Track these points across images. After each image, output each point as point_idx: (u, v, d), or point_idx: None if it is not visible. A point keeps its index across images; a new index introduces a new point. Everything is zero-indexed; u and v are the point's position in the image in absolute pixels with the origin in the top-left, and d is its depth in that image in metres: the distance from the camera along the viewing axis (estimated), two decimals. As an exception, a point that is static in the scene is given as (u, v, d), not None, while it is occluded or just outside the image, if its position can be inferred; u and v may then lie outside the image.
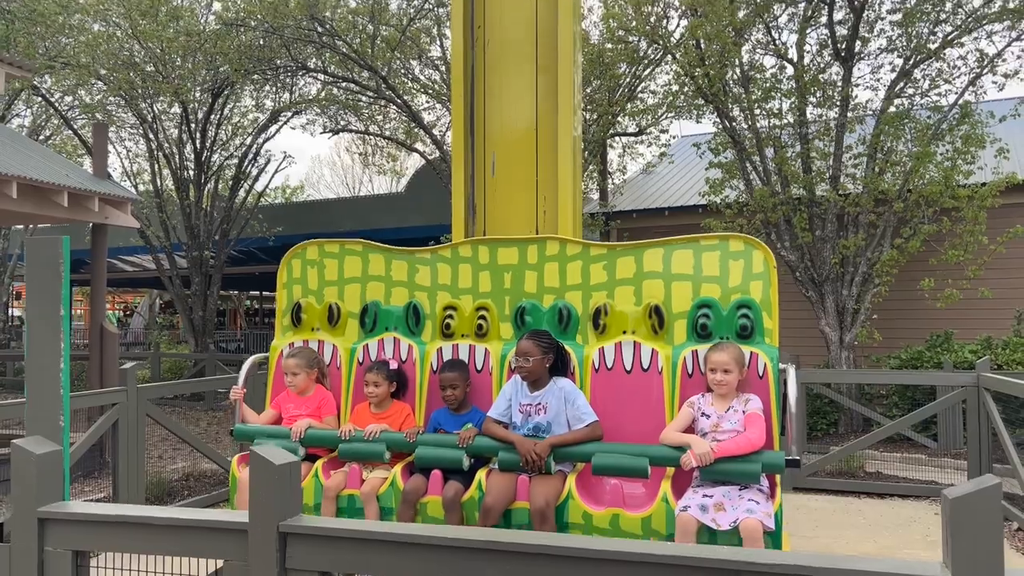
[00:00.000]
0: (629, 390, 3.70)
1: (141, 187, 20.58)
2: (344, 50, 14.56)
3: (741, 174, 12.83)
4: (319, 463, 3.88)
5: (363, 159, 25.97)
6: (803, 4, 12.61)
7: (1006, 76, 12.15)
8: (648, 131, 16.55)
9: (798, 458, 3.31)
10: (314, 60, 16.23)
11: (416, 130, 16.93)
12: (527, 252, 3.99)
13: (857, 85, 12.53)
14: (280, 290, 4.41)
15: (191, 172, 18.41)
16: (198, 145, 18.09)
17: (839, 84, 12.27)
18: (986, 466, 7.50)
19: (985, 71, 11.95)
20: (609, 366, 3.76)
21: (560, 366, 3.71)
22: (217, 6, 16.13)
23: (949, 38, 12.03)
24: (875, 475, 9.00)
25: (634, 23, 13.10)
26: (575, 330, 3.90)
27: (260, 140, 18.88)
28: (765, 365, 3.53)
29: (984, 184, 11.71)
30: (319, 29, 14.36)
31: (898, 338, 12.85)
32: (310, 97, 17.90)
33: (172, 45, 14.39)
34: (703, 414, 3.44)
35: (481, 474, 3.56)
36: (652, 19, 13.04)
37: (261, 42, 14.73)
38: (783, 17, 13.15)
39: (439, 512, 3.56)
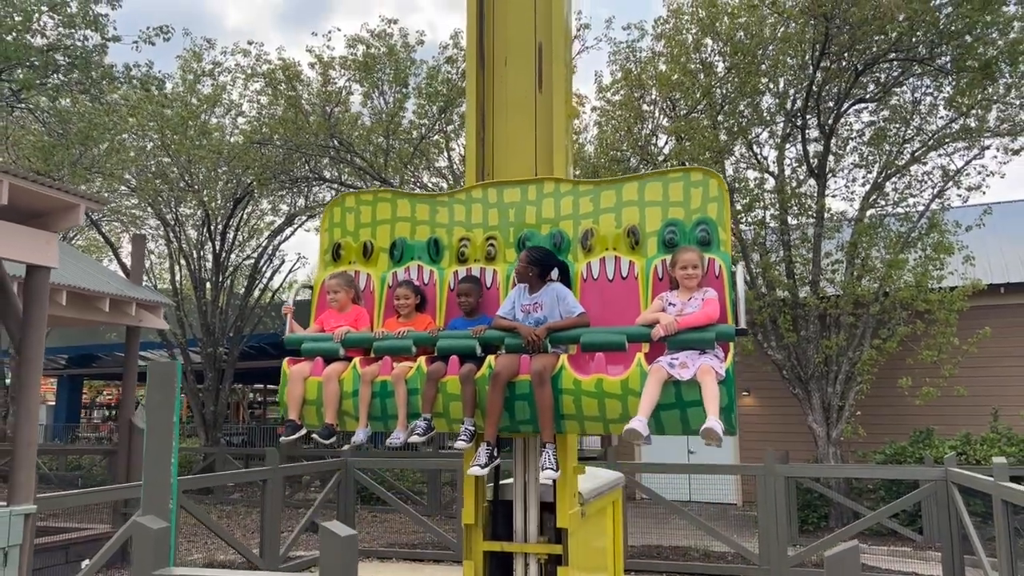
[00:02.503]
0: (612, 294, 4.52)
1: (160, 286, 21.53)
2: (359, 162, 15.74)
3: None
4: (356, 359, 4.61)
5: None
6: (781, 124, 13.81)
7: (969, 189, 13.21)
8: (642, 235, 17.53)
9: (745, 328, 4.23)
10: (329, 171, 17.44)
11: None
12: (528, 191, 4.95)
13: (833, 196, 13.59)
14: (322, 233, 5.29)
15: (209, 272, 19.37)
16: (217, 247, 19.12)
17: (816, 196, 13.31)
18: (958, 557, 8.01)
19: (949, 186, 13.01)
20: (595, 277, 4.60)
21: (565, 279, 4.58)
22: (241, 120, 17.52)
23: (915, 154, 13.16)
24: (862, 568, 9.44)
25: (625, 144, 14.27)
26: (567, 250, 4.75)
27: (275, 242, 19.98)
28: (720, 267, 4.34)
29: (954, 288, 12.56)
30: (336, 144, 15.58)
31: (883, 433, 13.44)
32: (325, 202, 19.04)
33: (204, 161, 15.57)
34: (670, 303, 4.25)
35: (490, 358, 4.34)
36: (642, 139, 14.22)
37: (281, 155, 15.94)
38: (763, 135, 14.35)
39: (456, 388, 4.27)
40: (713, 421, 3.74)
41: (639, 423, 3.79)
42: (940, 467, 8.61)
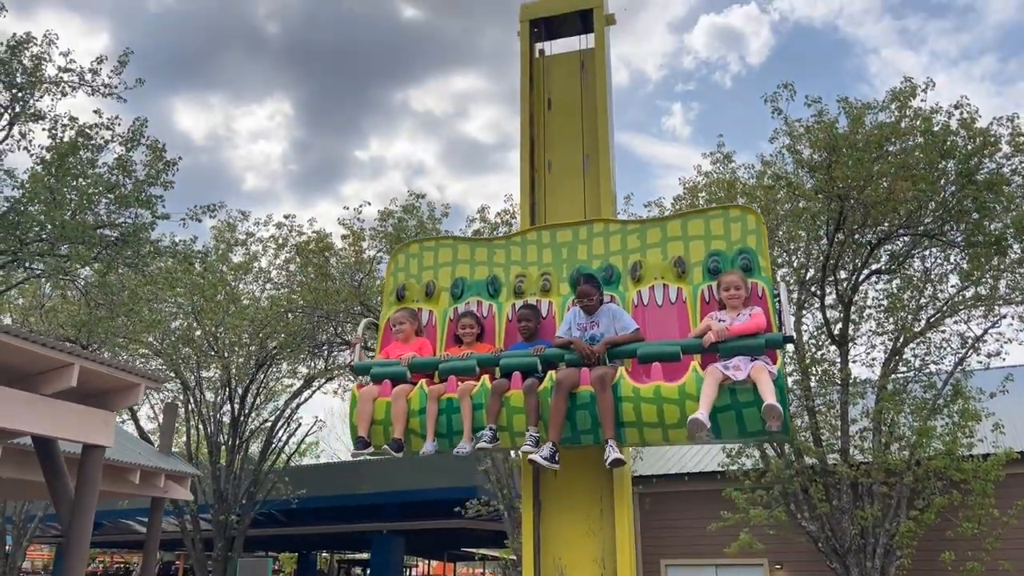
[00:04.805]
0: (663, 317, 4.89)
1: (173, 449, 21.25)
2: (383, 327, 16.01)
3: (756, 444, 13.53)
4: (423, 381, 4.83)
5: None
6: (796, 292, 14.15)
7: (989, 356, 13.34)
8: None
9: (792, 335, 4.49)
10: (352, 334, 17.72)
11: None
12: (579, 232, 5.35)
13: (854, 362, 13.68)
14: (387, 277, 5.73)
15: (226, 436, 19.19)
16: (236, 411, 19.06)
17: (838, 362, 13.41)
18: None
19: (968, 353, 13.15)
20: (646, 303, 5.00)
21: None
22: (269, 286, 18.05)
23: (930, 320, 13.39)
24: None
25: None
26: (618, 282, 5.10)
27: (293, 404, 19.93)
28: (763, 289, 4.74)
29: (987, 456, 12.35)
30: (361, 310, 15.95)
31: (930, 612, 12.77)
32: (345, 365, 19.17)
33: (236, 329, 15.89)
34: (719, 320, 4.54)
35: (551, 372, 4.56)
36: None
37: (308, 322, 16.28)
38: (779, 302, 14.63)
39: (520, 402, 4.53)
40: (772, 401, 4.05)
41: (701, 414, 4.10)
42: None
